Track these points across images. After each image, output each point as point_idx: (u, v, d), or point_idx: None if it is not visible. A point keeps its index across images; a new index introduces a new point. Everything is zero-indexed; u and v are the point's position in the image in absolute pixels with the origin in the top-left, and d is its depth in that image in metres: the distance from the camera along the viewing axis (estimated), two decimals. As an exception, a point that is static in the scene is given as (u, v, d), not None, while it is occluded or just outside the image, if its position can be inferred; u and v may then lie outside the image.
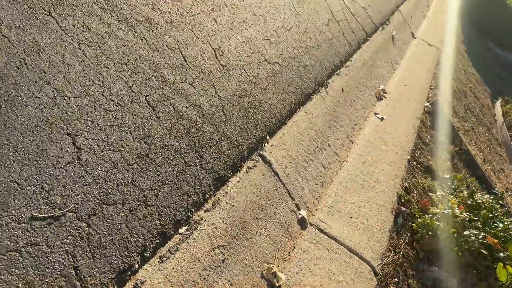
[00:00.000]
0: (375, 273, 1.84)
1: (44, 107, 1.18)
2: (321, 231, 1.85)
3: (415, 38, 4.58)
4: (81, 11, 1.42)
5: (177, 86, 1.61)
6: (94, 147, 1.24)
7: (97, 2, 1.49)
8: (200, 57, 1.78)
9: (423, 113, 3.32)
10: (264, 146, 1.86)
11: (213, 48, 1.87)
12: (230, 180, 1.61)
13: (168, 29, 1.70)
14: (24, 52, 1.21)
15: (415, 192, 2.49)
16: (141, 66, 1.51)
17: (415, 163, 2.74)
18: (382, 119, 2.88)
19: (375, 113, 2.90)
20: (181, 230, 1.34)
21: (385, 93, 3.20)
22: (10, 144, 1.07)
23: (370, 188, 2.24)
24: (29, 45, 1.23)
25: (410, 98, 3.40)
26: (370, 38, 3.51)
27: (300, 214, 1.81)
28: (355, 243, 1.89)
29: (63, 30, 1.33)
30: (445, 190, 2.66)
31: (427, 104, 3.50)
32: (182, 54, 1.70)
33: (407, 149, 2.76)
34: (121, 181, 1.25)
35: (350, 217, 2.00)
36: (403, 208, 2.27)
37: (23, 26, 1.25)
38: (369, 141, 2.59)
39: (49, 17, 1.33)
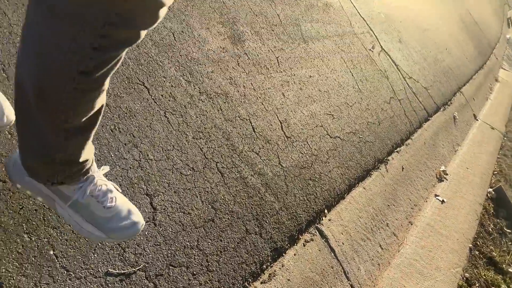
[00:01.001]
0: None
1: (130, 168, 1.30)
2: (376, 316, 1.78)
3: (477, 120, 4.51)
4: (169, 82, 1.59)
5: (244, 155, 1.70)
6: (168, 208, 1.32)
7: (183, 75, 1.66)
8: (267, 128, 1.88)
9: (485, 199, 3.19)
10: (322, 219, 1.87)
11: (279, 120, 1.98)
12: (287, 252, 1.63)
13: (241, 102, 1.84)
14: (119, 117, 1.36)
15: (477, 285, 2.35)
16: (215, 134, 1.63)
17: (477, 252, 2.60)
18: (442, 201, 2.80)
19: (436, 195, 2.83)
20: (238, 300, 1.36)
21: (446, 174, 3.14)
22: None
23: (429, 276, 2.14)
24: (123, 111, 1.39)
25: (472, 182, 3.30)
26: (431, 118, 3.52)
27: (355, 295, 1.76)
28: (412, 335, 1.78)
29: (153, 99, 1.49)
30: (510, 286, 2.48)
31: (490, 190, 3.36)
32: (251, 125, 1.81)
33: (469, 236, 2.64)
34: (188, 243, 1.32)
35: (407, 305, 1.91)
36: (464, 302, 2.13)
37: (120, 94, 1.41)
38: (429, 224, 2.51)
39: (142, 86, 1.50)
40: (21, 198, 1.06)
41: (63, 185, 0.89)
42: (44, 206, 1.08)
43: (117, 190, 1.00)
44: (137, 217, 1.00)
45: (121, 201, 1.00)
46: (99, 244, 1.13)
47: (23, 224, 1.03)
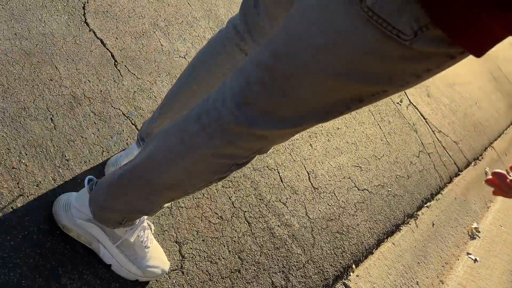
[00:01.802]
0: None
1: (162, 214, 1.34)
2: None
3: (510, 176, 4.38)
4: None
5: (272, 205, 1.72)
6: (196, 256, 1.34)
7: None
8: (295, 179, 1.91)
9: (523, 260, 3.04)
10: (350, 275, 1.83)
11: (307, 171, 2.00)
12: (313, 307, 1.59)
13: (270, 152, 1.88)
14: (154, 165, 1.43)
15: None
16: (243, 183, 1.66)
17: (516, 317, 2.44)
18: (475, 260, 2.69)
19: (468, 253, 2.72)
20: None
21: (478, 232, 3.03)
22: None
23: None
24: (158, 159, 1.45)
25: (506, 241, 3.16)
26: (462, 173, 3.45)
27: None
28: None
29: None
30: None
31: (528, 249, 3.20)
32: (279, 175, 1.84)
33: (506, 299, 2.50)
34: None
35: None
36: None
37: (156, 143, 1.49)
38: (461, 284, 2.41)
39: (177, 136, 1.57)
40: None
41: (121, 228, 1.03)
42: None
43: (152, 230, 1.15)
44: (165, 261, 1.19)
45: (154, 243, 1.15)
46: (129, 291, 1.15)
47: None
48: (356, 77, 0.64)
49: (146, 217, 1.07)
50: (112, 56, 1.58)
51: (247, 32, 0.96)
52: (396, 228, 2.32)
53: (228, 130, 0.75)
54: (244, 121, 0.73)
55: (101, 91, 1.45)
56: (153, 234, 1.20)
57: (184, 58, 1.84)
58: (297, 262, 1.63)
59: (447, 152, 3.44)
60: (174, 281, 1.25)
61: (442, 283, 2.35)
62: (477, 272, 2.59)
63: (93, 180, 1.02)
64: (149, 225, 1.11)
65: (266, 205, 1.69)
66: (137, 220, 1.04)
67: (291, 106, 0.71)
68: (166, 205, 1.00)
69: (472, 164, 3.76)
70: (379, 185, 2.41)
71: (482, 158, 4.04)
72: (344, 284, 1.78)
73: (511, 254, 3.02)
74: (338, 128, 2.44)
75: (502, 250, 2.99)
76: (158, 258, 1.14)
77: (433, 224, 2.64)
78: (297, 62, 0.66)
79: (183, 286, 1.26)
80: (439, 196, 2.92)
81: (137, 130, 1.46)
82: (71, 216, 1.03)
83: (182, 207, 1.41)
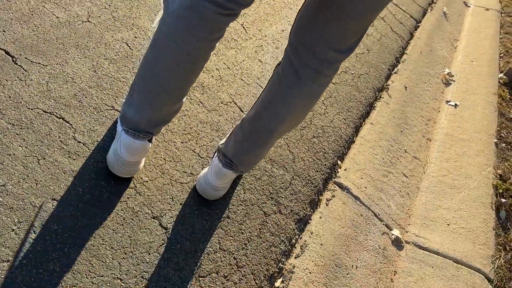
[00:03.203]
0: (489, 280, 1.69)
1: (128, 197, 1.26)
2: (420, 247, 1.75)
3: (469, 6, 4.25)
4: (138, 96, 1.52)
5: (240, 138, 1.63)
6: (178, 224, 1.29)
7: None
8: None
9: (499, 87, 3.04)
10: (338, 172, 1.81)
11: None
12: (312, 218, 1.59)
13: (219, 86, 1.75)
14: (99, 151, 1.31)
15: (513, 177, 2.27)
16: (203, 130, 1.56)
17: (503, 144, 2.50)
18: (455, 106, 2.68)
19: (447, 101, 2.71)
20: (277, 284, 1.34)
21: (452, 76, 2.99)
22: (106, 243, 1.15)
23: (461, 187, 2.08)
24: (101, 144, 1.33)
25: (481, 74, 3.14)
26: (421, 23, 3.32)
27: (393, 234, 1.73)
28: (460, 252, 1.75)
29: (127, 120, 1.42)
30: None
31: (501, 75, 3.20)
32: (237, 106, 1.73)
33: (491, 131, 2.53)
34: (210, 249, 1.29)
35: (448, 224, 1.87)
36: (503, 200, 2.07)
37: (93, 128, 1.35)
38: (448, 134, 2.42)
39: (113, 111, 1.43)
40: (31, 270, 1.04)
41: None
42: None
43: None
44: None
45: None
46: (122, 285, 1.11)
47: None
48: None
49: None
50: (7, 53, 1.37)
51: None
52: (370, 107, 2.26)
53: (323, 70, 1.06)
54: (338, 64, 1.07)
55: (9, 96, 1.28)
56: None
57: (88, 21, 1.62)
58: (282, 183, 1.60)
59: (400, 8, 3.27)
60: (165, 256, 1.21)
61: (430, 140, 2.36)
62: (460, 117, 2.59)
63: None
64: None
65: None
66: None
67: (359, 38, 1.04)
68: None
69: (429, 10, 3.60)
70: (341, 72, 2.30)
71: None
72: (335, 182, 1.77)
73: (488, 86, 3.01)
74: (283, 30, 2.27)
75: (478, 84, 2.98)
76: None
77: (406, 87, 2.58)
78: None
79: (176, 256, 1.22)
80: (404, 57, 2.83)
81: (65, 122, 1.32)
82: (224, 187, 1.36)
83: (146, 181, 1.32)
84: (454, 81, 2.94)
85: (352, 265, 1.53)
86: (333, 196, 1.71)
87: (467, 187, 2.09)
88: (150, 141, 1.23)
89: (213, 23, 0.96)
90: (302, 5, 1.06)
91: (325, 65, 1.03)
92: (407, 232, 1.80)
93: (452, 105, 2.68)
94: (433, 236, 1.80)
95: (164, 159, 1.40)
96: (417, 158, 2.18)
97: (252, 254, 1.35)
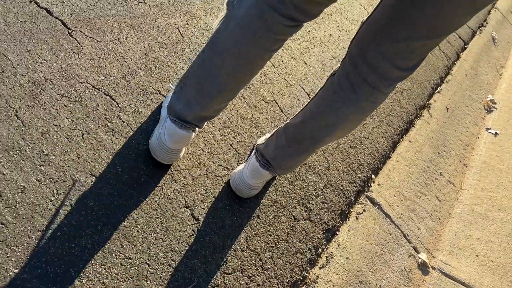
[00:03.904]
0: (516, 320, 1.61)
1: (164, 183, 1.25)
2: (446, 274, 1.68)
3: (520, 33, 4.09)
4: (184, 83, 1.50)
5: (277, 138, 1.60)
6: (209, 217, 1.27)
7: (197, 71, 1.56)
8: (295, 104, 1.76)
9: (544, 120, 2.91)
10: (371, 186, 1.76)
11: (306, 92, 1.85)
12: (340, 229, 1.55)
13: (263, 83, 1.72)
14: (141, 133, 1.30)
15: (549, 216, 2.17)
16: (242, 126, 1.54)
17: (543, 181, 2.39)
18: (496, 134, 2.58)
19: (487, 129, 2.61)
20: (299, 291, 1.31)
21: (495, 103, 2.88)
22: (138, 226, 1.14)
23: (494, 218, 2.00)
24: (144, 127, 1.32)
25: (526, 105, 3.01)
26: (468, 45, 3.21)
27: (420, 258, 1.67)
28: (486, 286, 1.68)
29: (171, 105, 1.41)
30: None
31: (548, 108, 3.06)
32: (278, 105, 1.70)
33: (532, 166, 2.43)
34: (238, 247, 1.27)
35: (476, 255, 1.79)
36: (538, 239, 1.98)
37: (138, 109, 1.34)
38: (485, 162, 2.33)
39: (159, 95, 1.42)
40: (64, 243, 1.03)
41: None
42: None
43: None
44: None
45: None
46: (149, 270, 1.10)
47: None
48: None
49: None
50: (64, 24, 1.37)
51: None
52: (410, 124, 2.19)
53: (380, 87, 1.00)
54: (408, 74, 1.00)
55: (61, 68, 1.28)
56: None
57: (144, 2, 1.61)
58: (314, 190, 1.56)
59: (450, 28, 3.17)
60: (194, 247, 1.19)
61: (466, 166, 2.28)
62: (499, 146, 2.49)
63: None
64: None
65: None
66: None
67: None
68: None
69: (478, 33, 3.48)
70: (385, 84, 2.23)
71: (487, 23, 3.73)
72: (367, 196, 1.72)
73: (531, 117, 2.89)
74: (331, 35, 2.22)
75: (521, 115, 2.86)
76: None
77: (447, 108, 2.50)
78: None
79: (204, 249, 1.20)
80: (449, 77, 2.74)
81: (112, 100, 1.31)
82: (258, 187, 1.33)
83: (183, 170, 1.31)
84: (496, 108, 2.84)
85: (376, 284, 1.48)
86: (364, 210, 1.66)
87: (500, 219, 2.01)
88: (193, 131, 1.21)
89: (280, 34, 0.94)
90: (367, 18, 1.01)
91: (384, 82, 0.98)
92: (434, 257, 1.73)
93: (492, 133, 2.58)
94: (460, 265, 1.73)
95: (202, 150, 1.39)
96: (452, 183, 2.11)
97: (278, 257, 1.32)
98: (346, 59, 1.04)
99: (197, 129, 1.25)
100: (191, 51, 1.60)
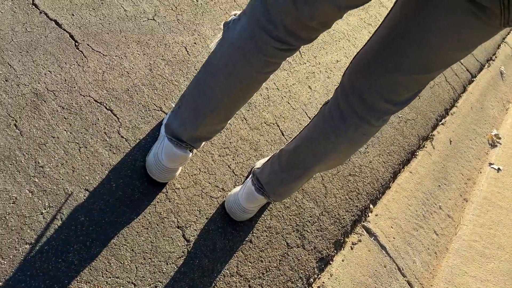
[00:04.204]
0: None
1: (157, 202, 1.23)
2: (439, 312, 1.64)
3: (528, 69, 4.08)
4: (187, 102, 1.50)
5: (276, 162, 1.59)
6: (201, 238, 1.25)
7: (201, 91, 1.56)
8: (297, 129, 1.75)
9: (548, 158, 2.88)
10: (368, 216, 1.74)
11: (309, 117, 1.84)
12: (334, 259, 1.52)
13: (265, 106, 1.71)
14: (139, 149, 1.29)
15: (549, 258, 2.12)
16: (242, 147, 1.53)
17: (545, 221, 2.35)
18: (498, 170, 2.55)
19: (490, 164, 2.58)
20: (287, 321, 1.27)
21: (499, 138, 2.86)
22: (127, 244, 1.12)
23: (492, 256, 1.95)
24: (143, 143, 1.32)
25: (530, 142, 2.98)
26: (476, 78, 3.20)
27: (413, 293, 1.63)
28: (481, 327, 1.63)
29: (172, 123, 1.41)
30: None
31: (553, 147, 3.03)
32: (279, 129, 1.69)
33: (534, 204, 2.39)
34: (227, 271, 1.24)
35: (472, 294, 1.75)
36: (536, 281, 1.93)
37: (138, 125, 1.34)
38: (486, 198, 2.30)
39: (160, 112, 1.41)
40: (50, 257, 1.02)
41: None
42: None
43: None
44: None
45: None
46: (135, 290, 1.08)
47: (56, 284, 1.00)
48: None
49: None
50: (71, 36, 1.38)
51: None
52: (412, 155, 2.17)
53: (370, 120, 0.99)
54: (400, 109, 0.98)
55: (65, 80, 1.29)
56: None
57: (154, 19, 1.62)
58: (310, 216, 1.54)
59: (458, 60, 3.17)
60: (182, 269, 1.17)
61: (466, 201, 2.24)
62: (501, 182, 2.46)
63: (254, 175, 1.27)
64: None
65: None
66: None
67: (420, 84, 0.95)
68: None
69: (486, 66, 3.48)
70: (388, 113, 2.22)
71: (496, 57, 3.73)
72: (363, 226, 1.69)
73: (535, 155, 2.86)
74: (338, 61, 2.22)
75: (525, 152, 2.83)
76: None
77: (451, 141, 2.48)
78: None
79: (192, 272, 1.18)
80: (454, 109, 2.72)
81: (113, 114, 1.31)
82: (251, 211, 1.32)
83: (178, 189, 1.30)
84: (500, 143, 2.81)
85: (367, 318, 1.45)
86: (360, 240, 1.63)
87: (498, 258, 1.97)
88: (191, 151, 1.20)
89: (270, 57, 0.93)
90: (362, 48, 1.01)
91: (373, 114, 0.96)
92: (428, 293, 1.69)
93: (495, 169, 2.55)
94: (455, 304, 1.69)
95: (199, 169, 1.37)
96: (451, 217, 2.07)
97: (268, 285, 1.30)
98: (339, 89, 1.03)
99: (194, 149, 1.24)
100: (196, 70, 1.60)
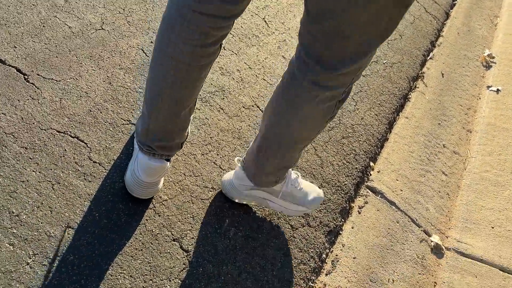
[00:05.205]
0: (543, 290, 1.51)
1: (147, 220, 1.17)
2: (462, 254, 1.58)
3: (511, -24, 3.84)
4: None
5: (264, 144, 1.51)
6: (200, 245, 1.19)
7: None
8: (279, 103, 1.66)
9: (547, 66, 2.73)
10: (370, 175, 1.66)
11: (290, 88, 1.74)
12: (343, 228, 1.46)
13: (241, 89, 1.62)
14: (116, 172, 1.22)
15: None
16: (224, 139, 1.44)
17: (555, 132, 2.24)
18: (497, 91, 2.42)
19: (488, 87, 2.45)
20: (307, 305, 1.23)
21: (492, 58, 2.71)
22: (124, 272, 1.07)
23: (506, 183, 1.87)
24: (118, 162, 1.24)
25: (526, 53, 2.83)
26: (457, 0, 3.02)
27: (432, 241, 1.57)
28: (506, 259, 1.57)
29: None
30: None
31: (550, 52, 2.87)
32: (260, 110, 1.60)
33: (540, 118, 2.27)
34: (234, 271, 1.19)
35: (492, 227, 1.68)
36: (556, 197, 1.85)
37: (109, 145, 1.27)
38: (490, 123, 2.19)
39: (130, 125, 1.33)
40: None
41: (277, 184, 1.21)
42: None
43: (298, 175, 1.29)
44: (318, 190, 1.32)
45: (303, 182, 1.30)
46: (143, 316, 1.04)
47: None
48: None
49: (291, 169, 1.24)
50: (18, 70, 1.29)
51: None
52: (404, 99, 2.07)
53: (318, 81, 0.89)
54: (327, 71, 0.87)
55: (22, 118, 1.21)
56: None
57: (102, 29, 1.51)
58: (310, 191, 1.46)
59: (434, -14, 2.98)
60: (186, 281, 1.12)
61: (470, 132, 2.14)
62: (503, 103, 2.34)
63: (241, 158, 1.21)
64: (295, 173, 1.28)
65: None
66: (286, 174, 1.20)
67: (353, 44, 0.81)
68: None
69: (466, -15, 3.28)
70: (372, 62, 2.10)
71: (475, -27, 3.51)
72: (367, 187, 1.62)
73: (533, 65, 2.71)
74: (307, 21, 2.09)
75: (522, 65, 2.69)
76: (312, 191, 1.30)
77: (443, 74, 2.35)
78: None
79: (198, 281, 1.13)
80: (440, 40, 2.58)
81: (80, 141, 1.23)
82: (238, 191, 1.23)
83: (165, 200, 1.23)
84: (495, 63, 2.67)
85: (389, 279, 1.40)
86: (366, 202, 1.56)
87: (513, 183, 1.88)
88: (168, 160, 1.13)
89: (193, 23, 0.86)
90: None
91: (322, 72, 0.88)
92: (447, 237, 1.63)
93: (494, 91, 2.42)
94: (476, 241, 1.63)
95: (184, 174, 1.30)
96: (457, 153, 1.98)
97: (280, 274, 1.24)
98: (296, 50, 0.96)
99: (170, 158, 1.17)
100: (158, 70, 1.50)
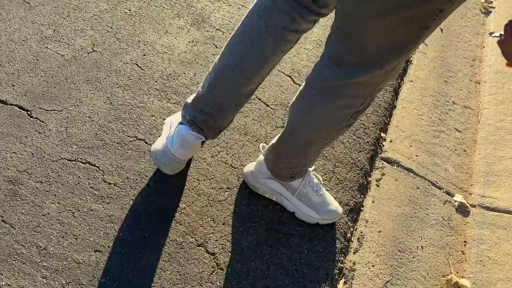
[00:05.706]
0: None
1: (170, 230, 1.18)
2: (487, 208, 1.55)
3: None
4: (160, 118, 1.41)
5: (271, 137, 1.50)
6: (225, 246, 1.20)
7: (169, 100, 1.46)
8: (279, 92, 1.64)
9: (549, 0, 2.62)
10: (383, 146, 1.63)
11: (287, 75, 1.71)
12: (364, 204, 1.44)
13: (239, 84, 1.60)
14: (129, 185, 1.23)
15: None
16: (231, 138, 1.44)
17: None
18: (500, 36, 2.33)
19: (490, 33, 2.36)
20: (340, 286, 1.23)
21: (491, 2, 2.60)
22: (156, 285, 1.09)
23: (524, 129, 1.81)
24: (134, 175, 1.25)
25: (525, -10, 2.71)
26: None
27: (456, 201, 1.54)
28: (535, 206, 1.53)
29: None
30: None
31: (550, -15, 2.74)
32: (261, 101, 1.58)
33: (549, 56, 2.18)
34: (263, 266, 1.19)
35: (516, 177, 1.64)
36: None
37: (121, 165, 1.28)
38: (498, 71, 2.12)
39: (138, 141, 1.34)
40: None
41: (294, 180, 1.21)
42: None
43: (320, 181, 1.30)
44: (337, 205, 1.29)
45: (325, 191, 1.29)
46: (181, 324, 1.05)
47: None
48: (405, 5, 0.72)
49: (311, 169, 1.25)
50: (21, 108, 1.31)
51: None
52: (407, 63, 2.01)
53: (335, 86, 0.90)
54: (344, 76, 0.87)
55: (32, 154, 1.23)
56: (321, 183, 1.32)
57: (94, 51, 1.51)
58: (324, 174, 1.45)
59: None
60: (218, 283, 1.13)
61: (479, 83, 2.08)
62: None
63: (266, 146, 1.22)
64: (316, 176, 1.29)
65: (266, 143, 1.48)
66: (304, 172, 1.21)
67: (369, 53, 0.82)
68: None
69: None
70: (366, 31, 2.05)
71: None
72: (382, 158, 1.59)
73: (534, 2, 2.59)
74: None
75: (523, 4, 2.58)
76: (331, 204, 1.28)
77: (441, 29, 2.27)
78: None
79: (228, 281, 1.14)
80: (434, -6, 2.49)
81: (92, 165, 1.25)
82: (256, 177, 1.25)
83: (184, 208, 1.24)
84: (494, 7, 2.56)
85: (417, 246, 1.38)
86: (383, 174, 1.54)
87: (531, 128, 1.82)
88: (203, 142, 1.15)
89: (282, 9, 0.93)
90: None
91: (340, 79, 0.90)
92: (470, 194, 1.60)
93: (497, 36, 2.33)
94: (501, 193, 1.59)
95: (198, 180, 1.31)
96: (468, 107, 1.93)
97: (308, 261, 1.24)
98: None
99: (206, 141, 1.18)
100: (155, 82, 1.50)
